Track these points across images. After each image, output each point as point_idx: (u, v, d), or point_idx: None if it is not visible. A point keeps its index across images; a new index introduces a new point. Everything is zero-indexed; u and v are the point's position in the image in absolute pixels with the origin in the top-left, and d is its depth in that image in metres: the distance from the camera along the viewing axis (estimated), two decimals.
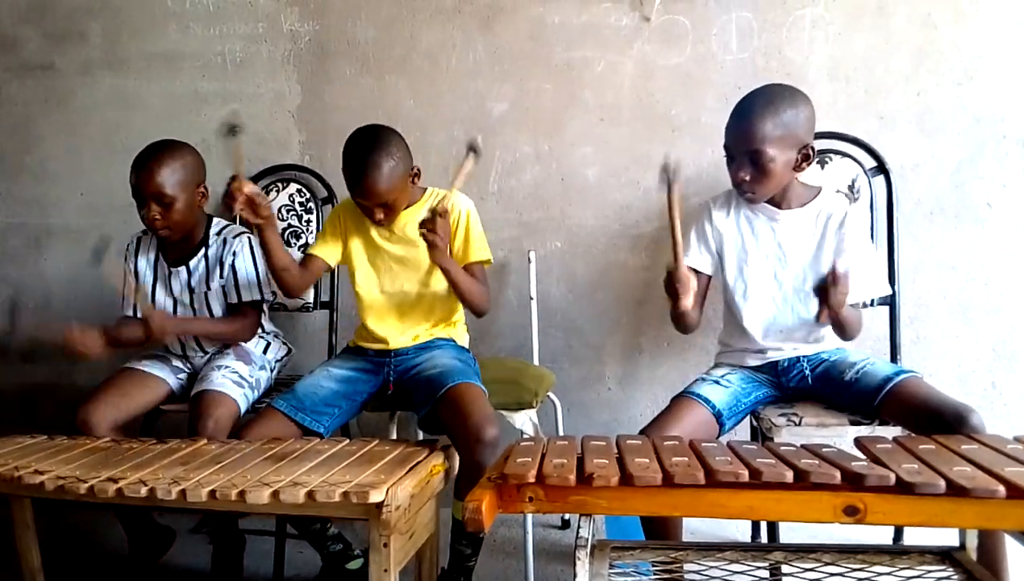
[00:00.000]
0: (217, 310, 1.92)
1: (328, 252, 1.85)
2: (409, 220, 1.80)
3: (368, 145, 1.69)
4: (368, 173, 1.67)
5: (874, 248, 1.85)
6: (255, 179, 2.28)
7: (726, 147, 1.66)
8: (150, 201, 1.78)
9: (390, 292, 1.83)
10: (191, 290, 1.90)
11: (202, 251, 1.91)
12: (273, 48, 2.29)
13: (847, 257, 1.56)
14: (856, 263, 1.66)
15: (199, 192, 1.87)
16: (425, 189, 1.85)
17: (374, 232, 1.83)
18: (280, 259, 1.75)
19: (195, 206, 1.87)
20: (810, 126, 1.64)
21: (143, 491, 1.32)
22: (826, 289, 1.49)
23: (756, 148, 1.59)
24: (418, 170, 1.78)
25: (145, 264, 1.95)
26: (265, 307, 1.99)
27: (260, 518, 1.81)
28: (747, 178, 1.63)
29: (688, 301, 1.55)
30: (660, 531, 1.52)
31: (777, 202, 1.70)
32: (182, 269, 1.90)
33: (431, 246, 1.64)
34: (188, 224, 1.87)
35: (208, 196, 1.91)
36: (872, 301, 1.88)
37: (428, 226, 1.62)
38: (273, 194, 2.25)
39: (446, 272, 1.72)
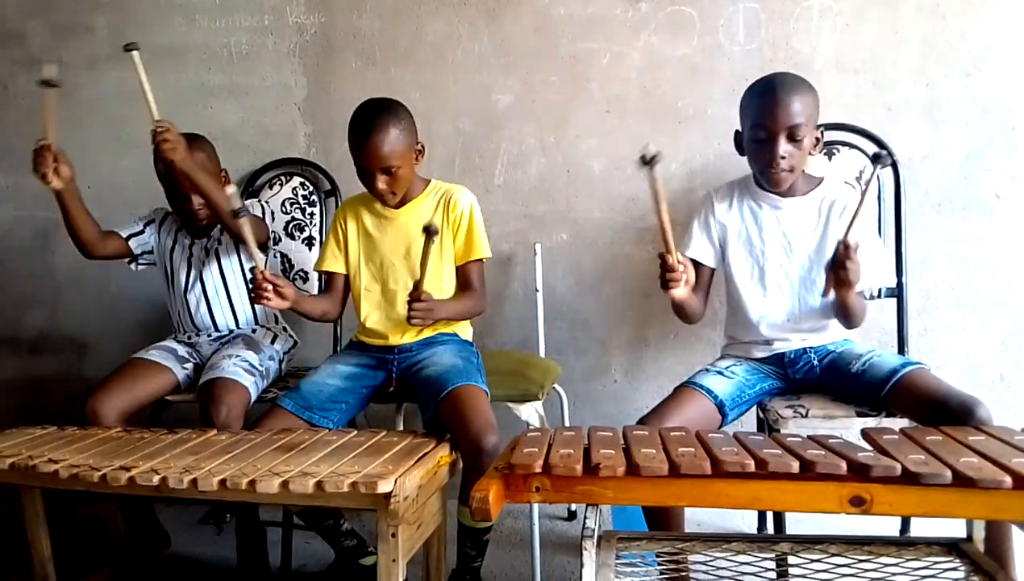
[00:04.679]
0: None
1: (340, 264, 1.87)
2: (411, 214, 1.80)
3: (375, 110, 1.72)
4: (373, 133, 1.67)
5: (879, 238, 1.84)
6: (259, 173, 2.29)
7: (759, 128, 1.62)
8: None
9: (391, 290, 1.82)
10: (219, 259, 2.00)
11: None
12: (279, 40, 2.29)
13: (856, 233, 1.50)
14: (861, 251, 1.66)
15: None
16: (428, 182, 1.85)
17: (373, 229, 1.83)
18: (317, 311, 1.84)
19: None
20: (819, 109, 1.67)
21: (155, 479, 1.33)
22: (838, 264, 1.47)
23: (797, 122, 1.58)
24: (423, 147, 1.78)
25: (168, 238, 2.05)
26: None
27: (266, 508, 1.81)
28: (786, 155, 1.60)
29: (681, 291, 1.52)
30: (663, 522, 1.52)
31: (781, 190, 1.69)
32: (204, 239, 2.02)
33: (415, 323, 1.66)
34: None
35: None
36: (880, 292, 1.88)
37: (413, 311, 1.62)
38: (277, 188, 2.25)
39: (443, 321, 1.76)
